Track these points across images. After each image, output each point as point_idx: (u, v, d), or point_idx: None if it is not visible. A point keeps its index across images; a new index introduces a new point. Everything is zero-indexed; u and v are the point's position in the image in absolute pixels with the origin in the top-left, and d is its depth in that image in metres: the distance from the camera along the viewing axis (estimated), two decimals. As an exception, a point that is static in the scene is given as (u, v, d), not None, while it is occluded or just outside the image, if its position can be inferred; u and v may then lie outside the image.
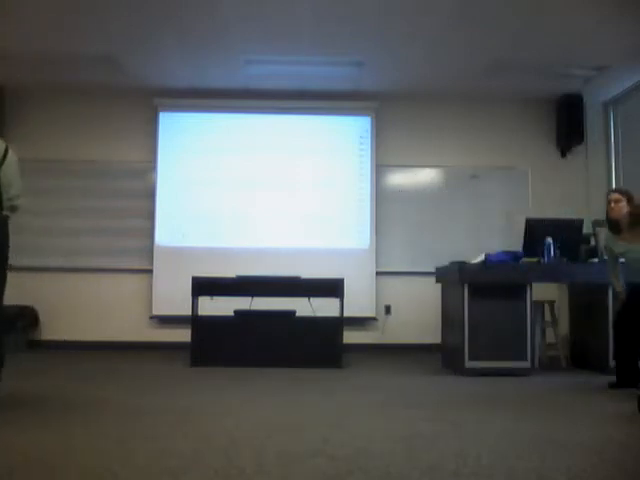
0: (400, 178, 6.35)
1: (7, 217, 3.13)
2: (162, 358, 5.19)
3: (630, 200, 3.84)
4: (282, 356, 4.69)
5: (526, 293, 4.35)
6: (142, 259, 6.11)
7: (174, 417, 2.90)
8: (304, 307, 4.96)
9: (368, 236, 6.20)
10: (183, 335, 5.05)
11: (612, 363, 4.28)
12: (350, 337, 5.20)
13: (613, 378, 3.86)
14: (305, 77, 5.84)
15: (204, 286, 4.88)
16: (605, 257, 4.16)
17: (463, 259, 4.67)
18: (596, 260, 4.58)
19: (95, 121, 6.25)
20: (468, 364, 4.30)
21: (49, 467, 2.04)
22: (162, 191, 6.18)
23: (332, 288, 4.87)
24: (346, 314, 4.91)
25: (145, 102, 6.18)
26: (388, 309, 6.19)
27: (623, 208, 3.82)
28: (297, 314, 4.92)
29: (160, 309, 6.01)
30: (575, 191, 6.27)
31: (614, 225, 3.90)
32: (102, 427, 2.67)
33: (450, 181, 6.33)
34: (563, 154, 6.39)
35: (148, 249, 6.12)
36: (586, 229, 4.82)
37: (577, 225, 4.72)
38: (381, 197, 6.26)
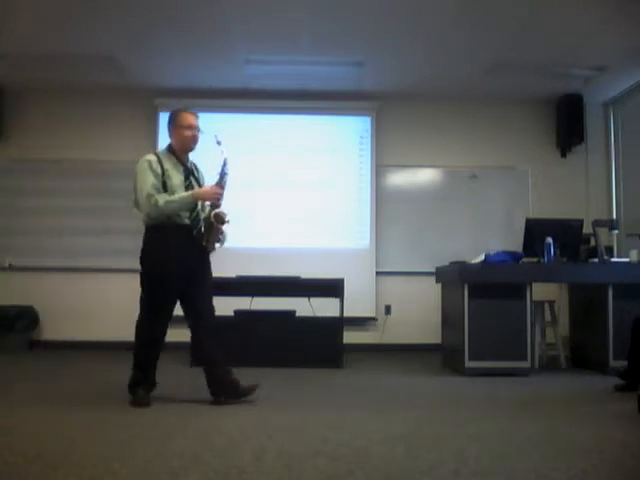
0: (400, 178, 6.35)
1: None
2: (162, 358, 5.17)
3: None
4: (282, 356, 4.68)
5: (526, 293, 4.35)
6: (142, 259, 6.09)
7: (174, 417, 2.90)
8: (304, 307, 4.95)
9: (368, 236, 6.19)
10: (183, 335, 5.04)
11: (612, 363, 4.28)
12: (350, 337, 5.18)
13: (615, 379, 3.68)
14: (305, 77, 5.83)
15: (204, 286, 4.87)
16: None
17: (463, 259, 4.66)
18: (596, 260, 4.58)
19: (95, 121, 6.24)
20: (468, 364, 4.30)
21: (49, 467, 2.04)
22: (162, 191, 6.17)
23: (332, 288, 4.87)
24: (346, 314, 4.91)
25: (145, 102, 6.16)
26: (388, 309, 6.19)
27: None
28: (297, 314, 4.92)
29: (160, 309, 6.00)
30: (575, 191, 6.26)
31: None
32: (102, 427, 2.67)
33: (450, 181, 6.33)
34: (563, 154, 6.38)
35: (148, 249, 6.10)
36: (586, 229, 4.82)
37: (577, 225, 4.72)
38: (381, 197, 6.25)
